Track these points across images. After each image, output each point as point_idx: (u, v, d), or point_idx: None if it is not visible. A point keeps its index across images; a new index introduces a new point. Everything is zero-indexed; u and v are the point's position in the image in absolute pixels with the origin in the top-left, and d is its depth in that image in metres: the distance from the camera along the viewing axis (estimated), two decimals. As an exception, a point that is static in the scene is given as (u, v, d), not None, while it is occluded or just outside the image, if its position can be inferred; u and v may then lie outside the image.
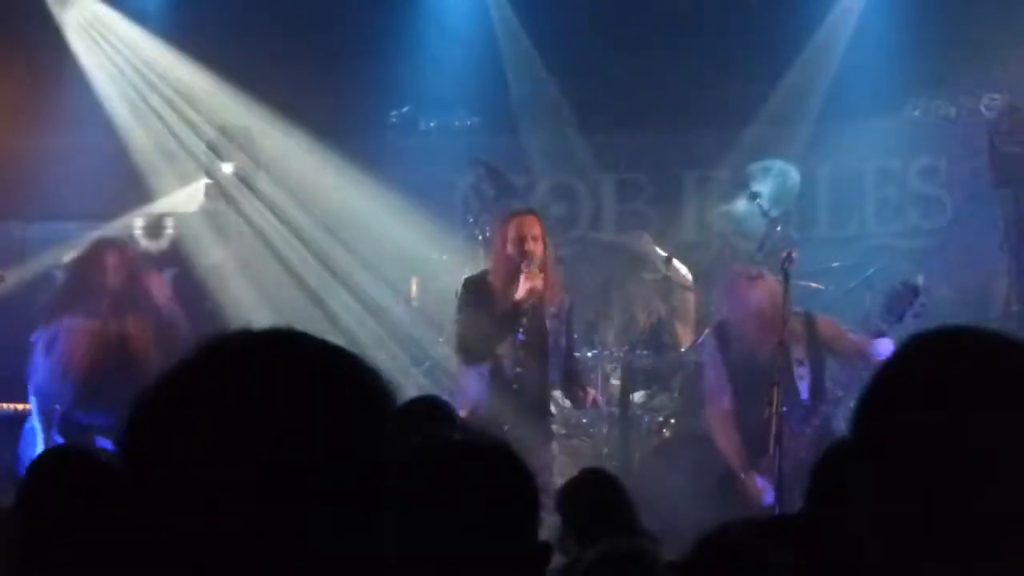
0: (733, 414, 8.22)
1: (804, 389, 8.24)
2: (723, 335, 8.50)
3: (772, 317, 7.95)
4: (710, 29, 10.80)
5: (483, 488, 2.88)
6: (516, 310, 8.04)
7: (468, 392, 8.18)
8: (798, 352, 8.20)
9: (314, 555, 1.50)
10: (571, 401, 8.56)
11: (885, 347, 7.86)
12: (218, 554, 1.48)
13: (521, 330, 8.05)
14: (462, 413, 8.06)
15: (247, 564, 1.48)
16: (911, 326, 7.86)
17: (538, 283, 8.03)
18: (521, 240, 8.09)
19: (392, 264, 10.92)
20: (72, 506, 3.81)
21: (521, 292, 8.02)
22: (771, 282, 8.13)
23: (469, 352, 8.21)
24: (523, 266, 8.02)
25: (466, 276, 8.60)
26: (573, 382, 8.37)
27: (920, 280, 10.37)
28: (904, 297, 8.16)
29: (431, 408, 5.30)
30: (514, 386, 8.08)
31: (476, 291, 8.29)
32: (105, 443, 8.17)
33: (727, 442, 8.20)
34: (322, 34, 10.86)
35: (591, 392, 8.36)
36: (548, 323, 8.19)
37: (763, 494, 7.95)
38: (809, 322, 8.34)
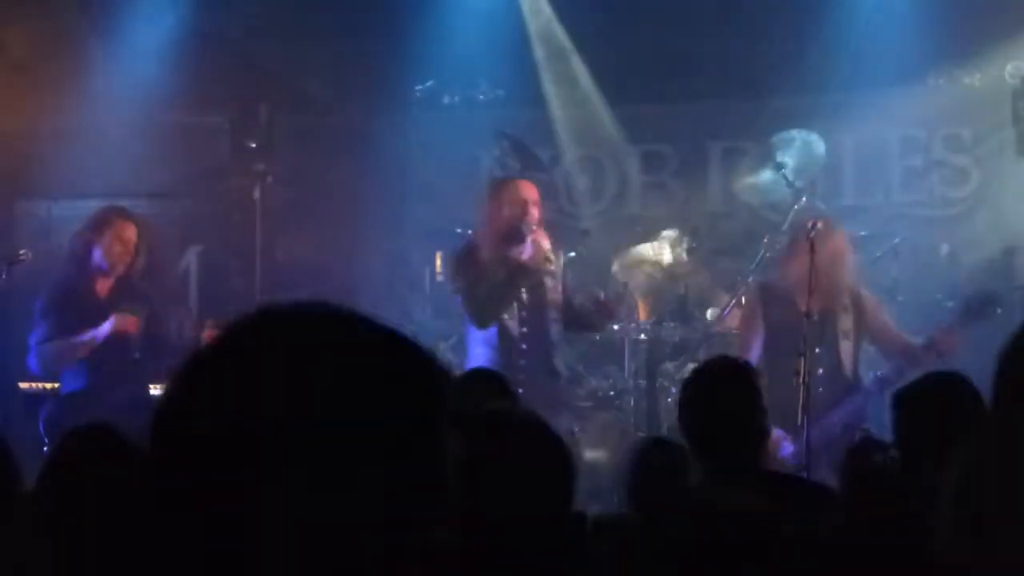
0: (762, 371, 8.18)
1: (848, 363, 8.22)
2: (765, 293, 8.50)
3: (830, 275, 8.01)
4: (734, 0, 10.78)
5: (515, 459, 2.88)
6: (524, 271, 8.24)
7: (476, 360, 8.25)
8: (844, 323, 8.18)
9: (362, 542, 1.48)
10: (588, 325, 8.72)
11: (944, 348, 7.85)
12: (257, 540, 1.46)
13: (524, 290, 8.18)
14: None
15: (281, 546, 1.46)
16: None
17: (546, 244, 8.22)
18: (522, 203, 8.33)
19: (416, 239, 10.93)
20: (97, 489, 3.80)
21: (528, 252, 8.22)
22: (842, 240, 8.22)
23: (483, 316, 8.33)
24: (525, 228, 8.24)
25: (448, 251, 8.78)
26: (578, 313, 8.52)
27: (946, 248, 10.40)
28: (982, 307, 8.00)
29: (487, 381, 5.33)
30: (523, 346, 8.19)
31: (468, 258, 8.45)
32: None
33: None
34: (345, 9, 10.86)
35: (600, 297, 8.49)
36: (547, 282, 8.36)
37: (780, 447, 7.95)
38: (855, 295, 8.32)
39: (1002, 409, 1.95)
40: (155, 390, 8.64)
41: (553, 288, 8.42)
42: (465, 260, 8.45)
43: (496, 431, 3.01)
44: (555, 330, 8.47)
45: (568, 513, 3.00)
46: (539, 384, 8.13)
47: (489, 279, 8.27)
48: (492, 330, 8.34)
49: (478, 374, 5.62)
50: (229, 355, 1.54)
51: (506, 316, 8.32)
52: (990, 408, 1.99)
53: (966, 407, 4.65)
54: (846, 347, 8.16)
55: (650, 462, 5.22)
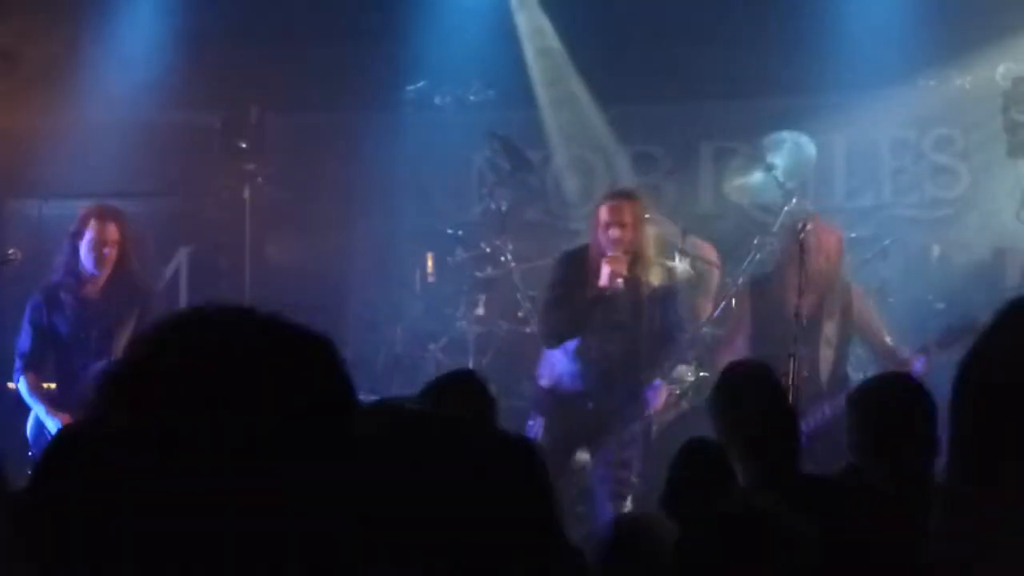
0: None
1: (825, 371, 8.18)
2: (755, 289, 8.47)
3: (822, 275, 8.01)
4: (724, 1, 10.79)
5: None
6: (600, 295, 8.02)
7: (553, 364, 8.21)
8: (828, 330, 8.14)
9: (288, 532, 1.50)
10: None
11: (919, 366, 7.83)
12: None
13: (616, 310, 8.03)
14: (544, 384, 8.14)
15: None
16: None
17: (621, 269, 7.97)
18: (607, 226, 8.07)
19: (407, 239, 10.94)
20: (93, 489, 3.79)
21: (603, 279, 7.99)
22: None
23: (548, 336, 8.24)
24: (608, 251, 8.00)
25: (565, 250, 8.56)
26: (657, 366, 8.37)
27: (936, 249, 10.39)
28: (964, 332, 7.91)
29: (463, 383, 5.33)
30: (602, 365, 8.09)
31: (571, 267, 8.25)
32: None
33: None
34: (336, 9, 10.87)
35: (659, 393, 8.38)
36: (647, 305, 8.11)
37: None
38: (846, 298, 8.28)
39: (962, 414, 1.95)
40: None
41: (651, 313, 8.14)
42: (567, 268, 8.28)
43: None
44: (635, 353, 8.20)
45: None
46: (614, 400, 8.08)
47: (573, 300, 8.11)
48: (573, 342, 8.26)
49: (457, 375, 5.61)
50: (147, 363, 1.57)
51: (590, 331, 8.19)
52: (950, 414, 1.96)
53: (914, 410, 4.69)
54: (826, 355, 8.13)
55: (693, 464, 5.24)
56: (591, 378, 8.06)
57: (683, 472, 5.21)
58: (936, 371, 7.78)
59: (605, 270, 7.99)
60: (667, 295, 8.27)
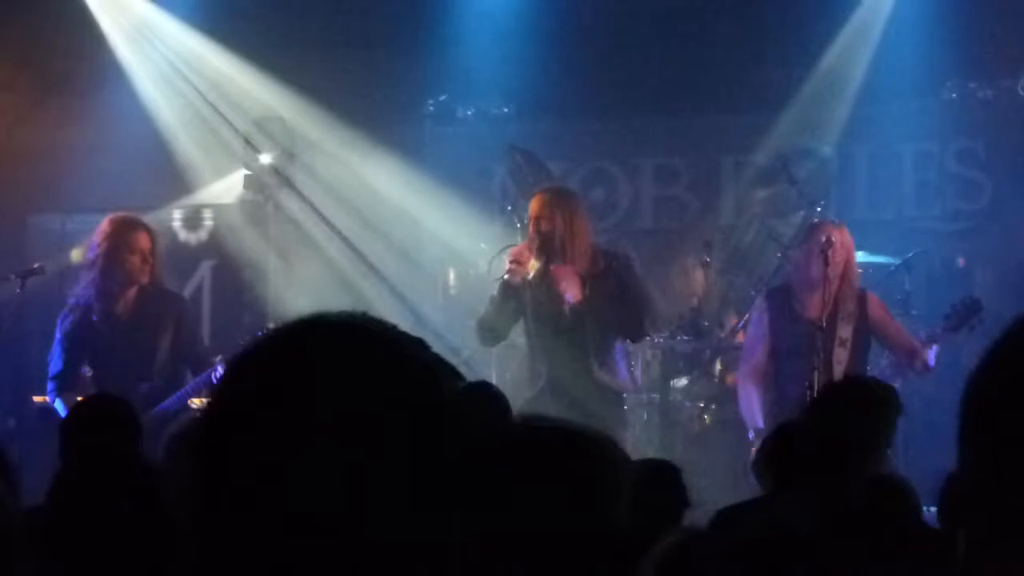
0: (767, 377, 8.17)
1: (838, 371, 8.17)
2: (775, 297, 8.47)
3: (837, 278, 8.02)
4: (746, 11, 10.78)
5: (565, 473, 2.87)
6: (506, 290, 8.17)
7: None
8: (843, 331, 8.14)
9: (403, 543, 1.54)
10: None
11: (931, 355, 7.89)
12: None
13: (567, 306, 8.07)
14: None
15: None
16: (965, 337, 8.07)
17: (522, 258, 8.13)
18: (528, 222, 8.29)
19: (429, 253, 10.95)
20: (108, 508, 3.79)
21: (506, 271, 8.18)
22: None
23: (480, 335, 8.46)
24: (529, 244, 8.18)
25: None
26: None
27: (960, 262, 10.38)
28: (966, 311, 8.10)
29: (479, 395, 5.34)
30: (551, 360, 8.15)
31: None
32: None
33: (748, 399, 8.16)
34: (358, 23, 10.90)
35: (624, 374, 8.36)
36: (588, 300, 8.13)
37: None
38: (861, 299, 8.29)
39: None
40: (196, 403, 8.26)
41: (593, 309, 8.15)
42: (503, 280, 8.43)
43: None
44: (586, 344, 8.21)
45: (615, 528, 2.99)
46: (588, 403, 8.06)
47: (494, 299, 8.30)
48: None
49: (473, 387, 5.62)
50: (269, 363, 1.57)
51: (531, 331, 8.27)
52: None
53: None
54: (840, 354, 8.13)
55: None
56: (547, 371, 8.10)
57: (642, 494, 5.18)
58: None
59: (507, 264, 8.21)
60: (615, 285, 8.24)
